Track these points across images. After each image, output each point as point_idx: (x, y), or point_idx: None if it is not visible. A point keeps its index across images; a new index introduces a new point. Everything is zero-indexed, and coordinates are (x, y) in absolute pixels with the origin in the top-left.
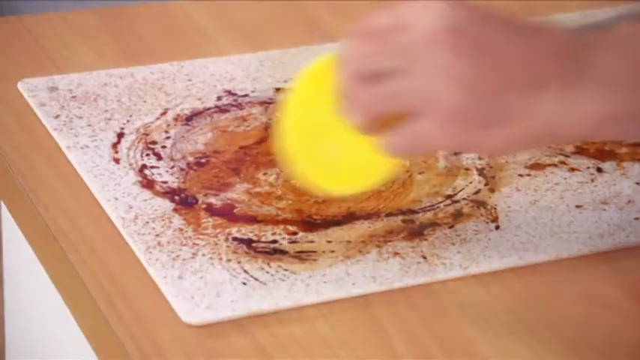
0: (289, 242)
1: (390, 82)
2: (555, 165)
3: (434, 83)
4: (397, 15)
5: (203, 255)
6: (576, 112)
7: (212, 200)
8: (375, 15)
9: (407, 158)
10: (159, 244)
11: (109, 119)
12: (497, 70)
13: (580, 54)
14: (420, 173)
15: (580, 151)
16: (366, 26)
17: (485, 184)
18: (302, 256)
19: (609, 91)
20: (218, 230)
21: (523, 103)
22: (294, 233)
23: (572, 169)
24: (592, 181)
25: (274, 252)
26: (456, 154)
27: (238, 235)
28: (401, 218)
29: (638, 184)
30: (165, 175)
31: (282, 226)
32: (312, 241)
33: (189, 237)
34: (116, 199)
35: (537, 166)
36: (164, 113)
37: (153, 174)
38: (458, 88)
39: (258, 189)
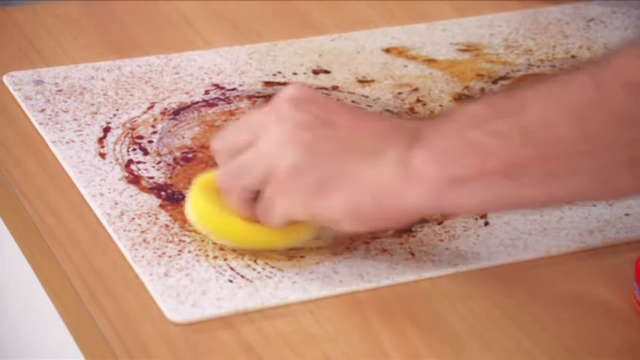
0: None
1: (239, 157)
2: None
3: (273, 150)
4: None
5: (189, 252)
6: (414, 178)
7: None
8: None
9: (278, 227)
10: (145, 240)
11: (95, 113)
12: (333, 136)
13: (413, 128)
14: None
15: None
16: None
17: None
18: (289, 253)
19: (442, 157)
20: None
21: (359, 167)
22: None
23: None
24: None
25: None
26: None
27: None
28: None
29: None
30: (151, 170)
31: None
32: None
33: (176, 233)
34: (102, 194)
35: None
36: (151, 107)
37: (139, 169)
38: (293, 151)
39: None
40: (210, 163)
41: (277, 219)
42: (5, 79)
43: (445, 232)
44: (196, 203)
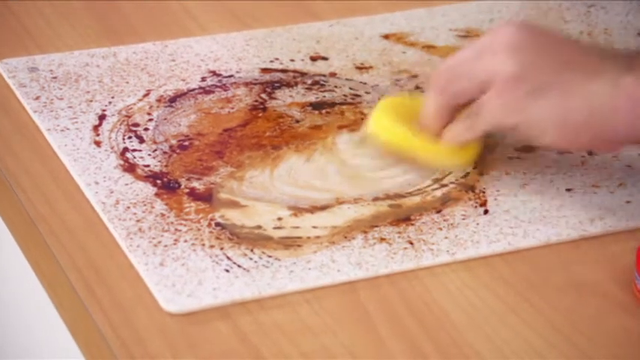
0: (274, 228)
1: (464, 62)
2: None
3: (495, 61)
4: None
5: (185, 241)
6: (624, 100)
7: (195, 184)
8: None
9: (469, 141)
10: (140, 229)
11: (91, 101)
12: (554, 54)
13: (629, 58)
14: None
15: None
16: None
17: (474, 167)
18: (286, 242)
19: None
20: (201, 215)
21: (575, 81)
22: (279, 219)
23: (563, 152)
24: (583, 164)
25: (258, 238)
26: None
27: (221, 221)
28: (388, 203)
29: (629, 166)
30: (147, 158)
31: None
32: (297, 227)
33: (172, 222)
34: (97, 183)
35: (527, 149)
36: (147, 94)
37: (135, 157)
38: (517, 62)
39: (242, 172)
40: (207, 151)
41: (484, 123)
42: (0, 66)
43: (444, 220)
44: (379, 118)
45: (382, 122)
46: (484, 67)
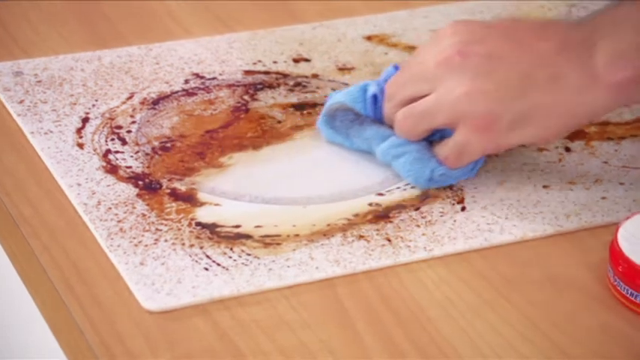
0: (254, 226)
1: (419, 103)
2: (523, 145)
3: (460, 100)
4: (416, 53)
5: (165, 241)
6: (600, 85)
7: (176, 185)
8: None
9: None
10: (121, 230)
11: (74, 104)
12: (512, 75)
13: (583, 39)
14: None
15: None
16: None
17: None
18: (266, 241)
19: (624, 57)
20: (181, 215)
21: (546, 97)
22: (259, 218)
23: (541, 149)
24: (560, 160)
25: (238, 236)
26: None
27: (202, 220)
28: (367, 201)
29: (605, 163)
30: (129, 160)
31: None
32: (276, 225)
33: (152, 222)
34: (79, 184)
35: None
36: (130, 97)
37: (117, 159)
38: (481, 100)
39: (222, 173)
40: (189, 153)
41: (471, 158)
42: None
43: (422, 217)
44: None
45: None
46: (447, 107)
